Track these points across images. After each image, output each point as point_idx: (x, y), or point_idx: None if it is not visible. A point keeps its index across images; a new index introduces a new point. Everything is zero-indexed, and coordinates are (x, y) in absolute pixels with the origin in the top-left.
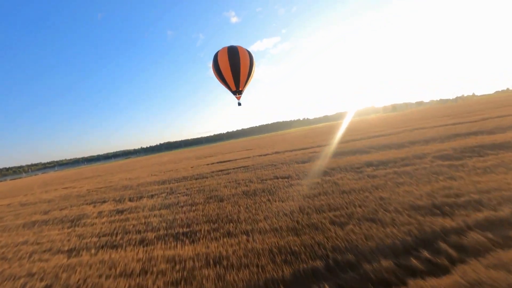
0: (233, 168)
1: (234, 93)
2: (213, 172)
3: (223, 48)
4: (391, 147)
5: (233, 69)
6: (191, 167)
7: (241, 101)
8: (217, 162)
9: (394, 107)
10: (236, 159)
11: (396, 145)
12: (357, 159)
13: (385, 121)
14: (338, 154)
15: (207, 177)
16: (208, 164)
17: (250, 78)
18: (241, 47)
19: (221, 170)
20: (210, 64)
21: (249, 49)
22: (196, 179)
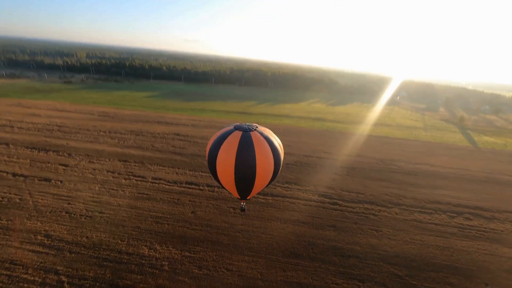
0: None
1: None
2: None
3: (232, 138)
4: None
5: (240, 177)
6: None
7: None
8: None
9: None
10: None
11: None
12: None
13: None
14: None
15: None
16: None
17: (270, 183)
18: (261, 140)
19: None
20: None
21: None
22: None
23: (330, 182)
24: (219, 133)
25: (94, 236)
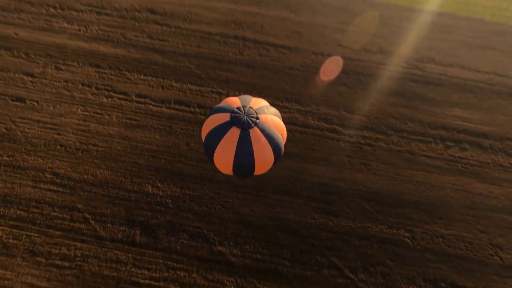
0: None
1: None
2: None
3: (230, 135)
4: None
5: (239, 171)
6: None
7: None
8: None
9: None
10: None
11: None
12: None
13: None
14: None
15: None
16: None
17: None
18: (261, 139)
19: None
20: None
21: None
22: None
23: (336, 98)
24: (215, 121)
25: (98, 174)
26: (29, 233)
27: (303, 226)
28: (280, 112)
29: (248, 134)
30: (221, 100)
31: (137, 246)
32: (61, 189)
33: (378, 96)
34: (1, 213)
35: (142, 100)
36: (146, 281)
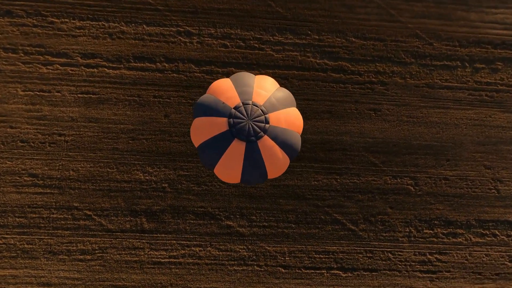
0: None
1: None
2: None
3: (233, 151)
4: None
5: (248, 178)
6: None
7: None
8: None
9: None
10: None
11: None
12: None
13: None
14: None
15: None
16: None
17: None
18: (273, 149)
19: None
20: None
21: None
22: None
23: (344, 16)
24: (209, 129)
25: (79, 168)
26: (40, 237)
27: (307, 189)
28: (272, 52)
29: (257, 146)
30: (193, 48)
31: (148, 233)
32: (48, 191)
33: (403, 5)
34: (1, 223)
35: (91, 62)
36: (167, 260)
